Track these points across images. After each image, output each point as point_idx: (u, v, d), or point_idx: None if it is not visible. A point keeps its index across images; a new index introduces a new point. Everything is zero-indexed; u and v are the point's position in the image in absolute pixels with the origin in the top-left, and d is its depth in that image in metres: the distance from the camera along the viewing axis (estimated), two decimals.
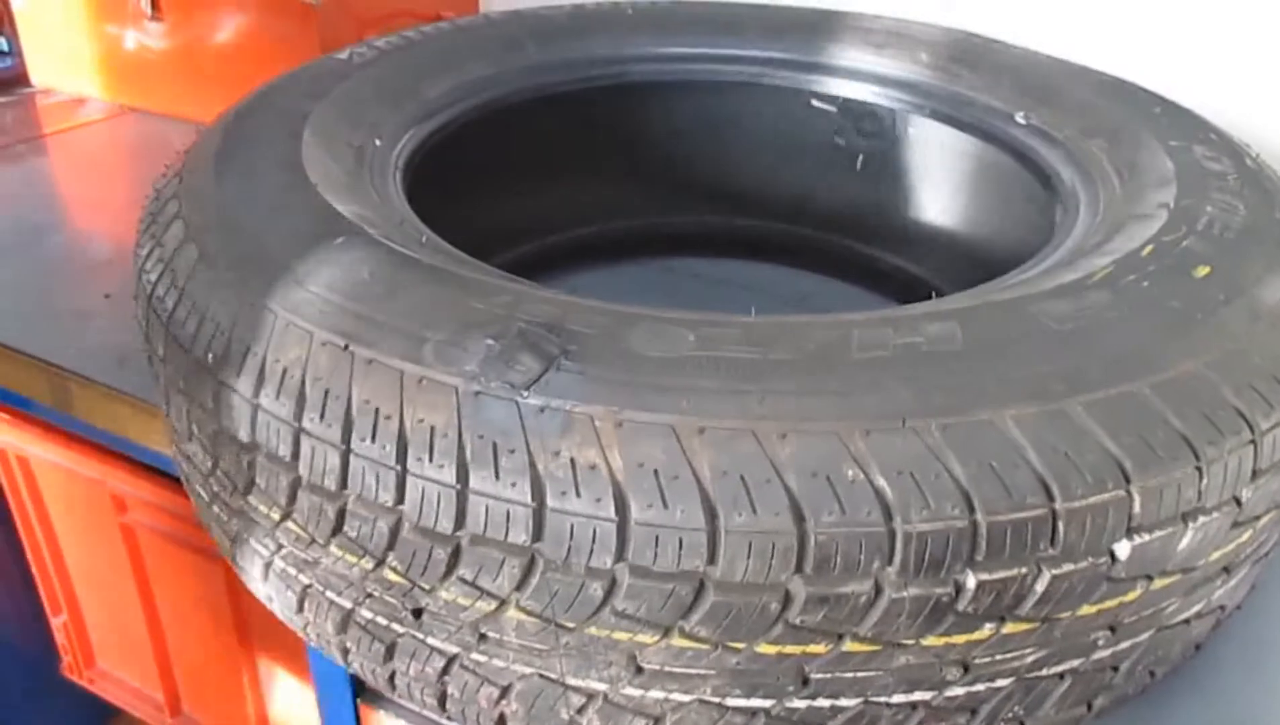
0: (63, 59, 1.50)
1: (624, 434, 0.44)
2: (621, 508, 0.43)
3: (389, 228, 0.59)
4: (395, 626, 0.51)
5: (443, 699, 0.53)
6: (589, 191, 1.01)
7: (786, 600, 0.44)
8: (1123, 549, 0.46)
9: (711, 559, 0.43)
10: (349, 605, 0.52)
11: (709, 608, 0.44)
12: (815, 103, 0.99)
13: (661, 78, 0.96)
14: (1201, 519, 0.48)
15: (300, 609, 0.55)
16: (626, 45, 0.96)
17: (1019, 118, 0.81)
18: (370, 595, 0.50)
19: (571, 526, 0.44)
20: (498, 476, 0.44)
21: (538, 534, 0.44)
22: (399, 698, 0.56)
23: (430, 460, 0.45)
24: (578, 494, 0.43)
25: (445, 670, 0.51)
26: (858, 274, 1.00)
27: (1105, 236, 0.61)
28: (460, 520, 0.45)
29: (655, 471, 0.43)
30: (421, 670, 0.52)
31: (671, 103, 0.98)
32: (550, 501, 0.44)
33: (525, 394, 0.45)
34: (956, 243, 0.91)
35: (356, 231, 0.56)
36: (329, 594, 0.53)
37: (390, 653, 0.52)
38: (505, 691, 0.50)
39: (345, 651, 0.55)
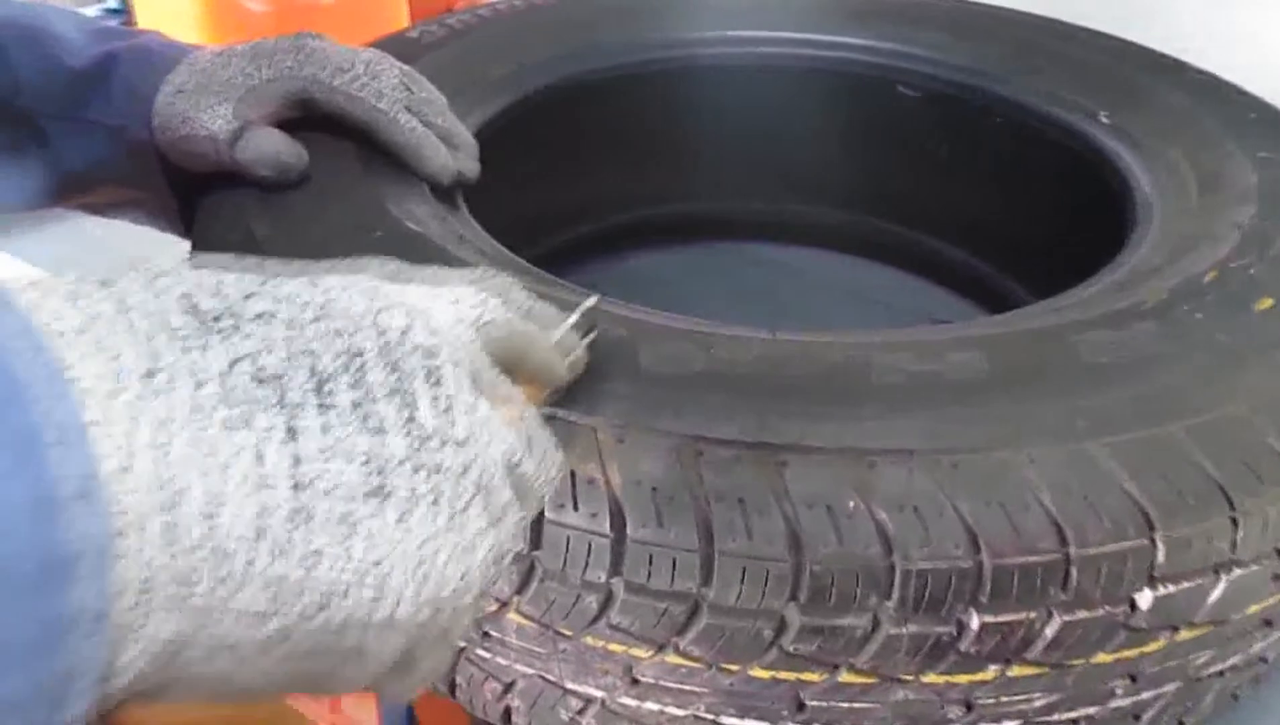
0: (171, 17, 1.55)
1: (624, 450, 0.44)
2: (617, 524, 0.43)
3: (433, 223, 0.60)
4: None
5: (453, 687, 0.54)
6: (654, 173, 1.00)
7: (781, 627, 0.43)
8: (1144, 598, 0.44)
9: (705, 581, 0.43)
10: None
11: (702, 628, 0.44)
12: (902, 89, 0.96)
13: (736, 61, 0.94)
14: (1236, 572, 0.45)
15: None
16: (702, 27, 0.94)
17: (1102, 116, 0.77)
18: None
19: (568, 539, 0.44)
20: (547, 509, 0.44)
21: (536, 543, 0.44)
22: None
23: None
24: (575, 507, 0.43)
25: (453, 661, 0.52)
26: (924, 267, 0.97)
27: (1170, 256, 0.58)
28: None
29: (653, 489, 0.43)
30: None
31: (745, 86, 0.96)
32: (548, 512, 0.44)
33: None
34: (1027, 242, 0.88)
35: (392, 224, 0.57)
36: None
37: None
38: (509, 688, 0.51)
39: None
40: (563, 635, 0.47)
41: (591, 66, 0.90)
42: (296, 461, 0.25)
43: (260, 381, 0.25)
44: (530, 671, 0.50)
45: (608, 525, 0.43)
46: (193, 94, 0.62)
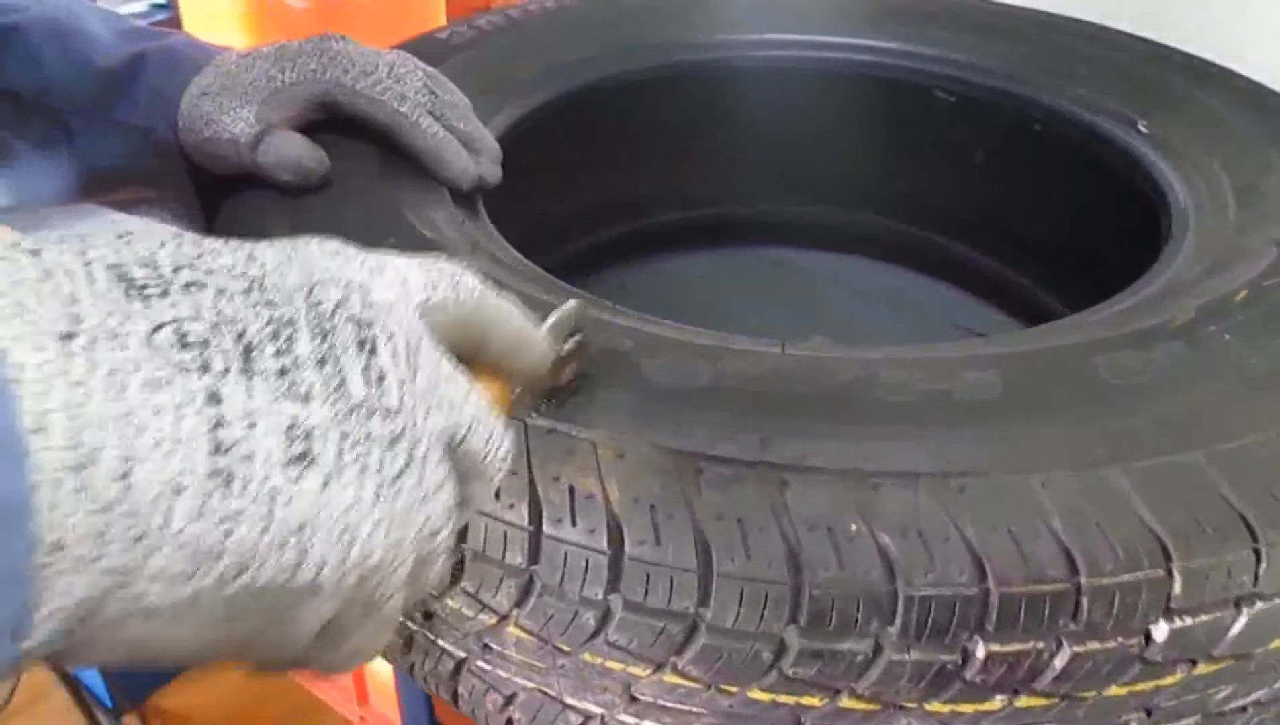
0: (215, 13, 1.57)
1: (624, 465, 0.43)
2: (615, 541, 0.42)
3: (448, 229, 0.60)
4: (410, 624, 0.52)
5: (455, 697, 0.54)
6: (684, 176, 1.00)
7: (780, 650, 0.42)
8: (1160, 631, 0.42)
9: (703, 601, 0.42)
10: None
11: (700, 648, 0.43)
12: (938, 93, 0.94)
13: (767, 64, 0.93)
14: (1260, 605, 0.43)
15: None
16: (734, 30, 0.93)
17: (1141, 125, 0.75)
18: None
19: (565, 554, 0.43)
20: (497, 496, 0.44)
21: (534, 558, 0.44)
22: (423, 686, 0.57)
23: None
24: (573, 523, 0.43)
25: (456, 672, 0.52)
26: (959, 275, 0.95)
27: (1203, 272, 0.56)
28: (462, 536, 0.45)
29: (651, 507, 0.42)
30: (434, 668, 0.53)
31: (777, 90, 0.95)
32: (546, 527, 0.43)
33: (534, 415, 0.45)
34: (1063, 252, 0.86)
35: (406, 230, 0.57)
36: None
37: (408, 646, 0.54)
38: (510, 700, 0.51)
39: None
40: (561, 651, 0.46)
41: (622, 69, 0.89)
42: (217, 425, 0.25)
43: (184, 346, 0.25)
44: (531, 685, 0.49)
45: (605, 542, 0.42)
46: (217, 96, 0.63)
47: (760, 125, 0.98)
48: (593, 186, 0.94)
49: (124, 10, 1.64)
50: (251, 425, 0.25)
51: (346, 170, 0.64)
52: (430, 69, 0.69)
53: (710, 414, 0.44)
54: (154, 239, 0.27)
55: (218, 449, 0.25)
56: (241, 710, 1.82)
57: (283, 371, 0.26)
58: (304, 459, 0.26)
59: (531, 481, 0.44)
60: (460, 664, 0.51)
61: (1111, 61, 0.82)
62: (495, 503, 0.44)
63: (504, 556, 0.44)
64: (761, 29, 0.93)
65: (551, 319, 0.41)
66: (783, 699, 0.44)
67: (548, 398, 0.45)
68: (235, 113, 0.62)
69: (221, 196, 0.65)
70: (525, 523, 0.43)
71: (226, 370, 0.25)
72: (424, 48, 0.83)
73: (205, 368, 0.25)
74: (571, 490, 0.43)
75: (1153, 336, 0.49)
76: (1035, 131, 0.85)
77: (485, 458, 0.32)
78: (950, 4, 0.93)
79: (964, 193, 0.95)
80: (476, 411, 0.32)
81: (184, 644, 0.26)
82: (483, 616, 0.47)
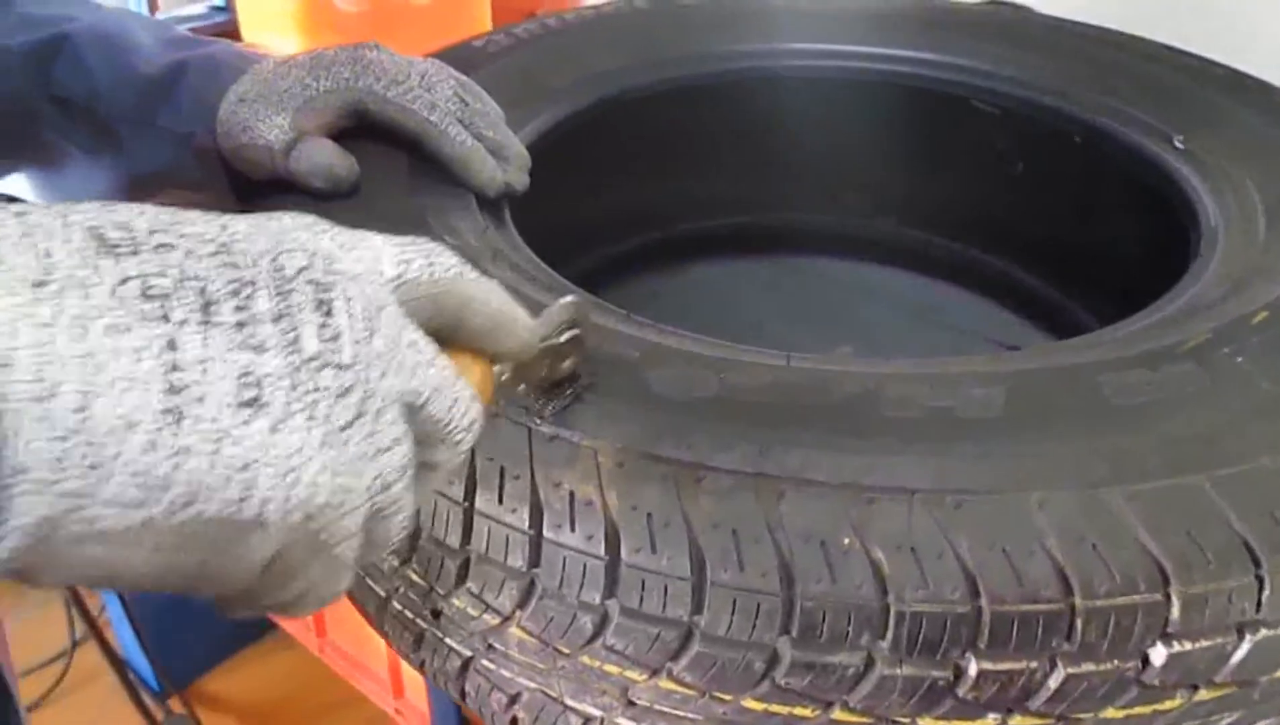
0: (271, 16, 1.61)
1: (623, 473, 0.44)
2: (612, 547, 0.43)
3: (471, 236, 0.61)
4: (419, 622, 0.53)
5: (463, 695, 0.55)
6: (719, 185, 1.00)
7: (773, 660, 0.43)
8: (1158, 655, 0.42)
9: (697, 610, 0.43)
10: (384, 594, 0.55)
11: (694, 656, 0.44)
12: (978, 105, 0.93)
13: (803, 74, 0.93)
14: (1263, 633, 0.43)
15: (349, 592, 0.58)
16: (770, 39, 0.93)
17: (1177, 141, 0.74)
18: (398, 589, 0.53)
19: (564, 559, 0.44)
20: (501, 500, 0.45)
21: (535, 561, 0.45)
22: (434, 683, 0.58)
23: None
24: (572, 528, 0.44)
25: (463, 670, 0.53)
26: (994, 289, 0.94)
27: (1226, 292, 0.55)
28: (466, 537, 0.46)
29: (649, 515, 0.43)
30: (443, 666, 0.54)
31: (813, 99, 0.95)
32: (547, 532, 0.44)
33: (539, 421, 0.46)
34: (1098, 268, 0.85)
35: (428, 236, 0.58)
36: (368, 580, 0.55)
37: (418, 644, 0.55)
38: (514, 700, 0.52)
39: (385, 635, 0.58)
40: (561, 653, 0.47)
41: (656, 78, 0.90)
42: (172, 368, 0.27)
43: (147, 298, 0.27)
44: (533, 686, 0.50)
45: (603, 548, 0.43)
46: (253, 103, 0.65)
47: (796, 135, 0.98)
48: (624, 194, 0.95)
49: (185, 11, 1.68)
50: (205, 371, 0.27)
51: (376, 176, 0.65)
52: (462, 77, 0.70)
53: (711, 425, 0.45)
54: (135, 209, 0.29)
55: (171, 389, 0.27)
56: (284, 699, 1.86)
57: (240, 325, 0.28)
58: (253, 404, 0.28)
59: (534, 487, 0.45)
60: (467, 662, 0.52)
61: (1151, 75, 0.81)
62: (499, 506, 0.45)
63: (506, 559, 0.45)
64: (799, 39, 0.93)
65: (554, 309, 0.42)
66: (776, 709, 0.44)
67: (543, 390, 0.45)
68: (269, 120, 0.64)
69: (256, 200, 0.67)
70: (526, 527, 0.44)
71: (185, 321, 0.27)
72: (460, 55, 0.84)
73: (166, 318, 0.27)
74: (572, 496, 0.44)
75: (1163, 357, 0.48)
76: (1074, 144, 0.84)
77: (449, 425, 0.33)
78: (989, 15, 0.93)
79: (1001, 205, 0.94)
80: (440, 379, 0.33)
81: (138, 569, 0.28)
82: (486, 617, 0.48)
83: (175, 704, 1.78)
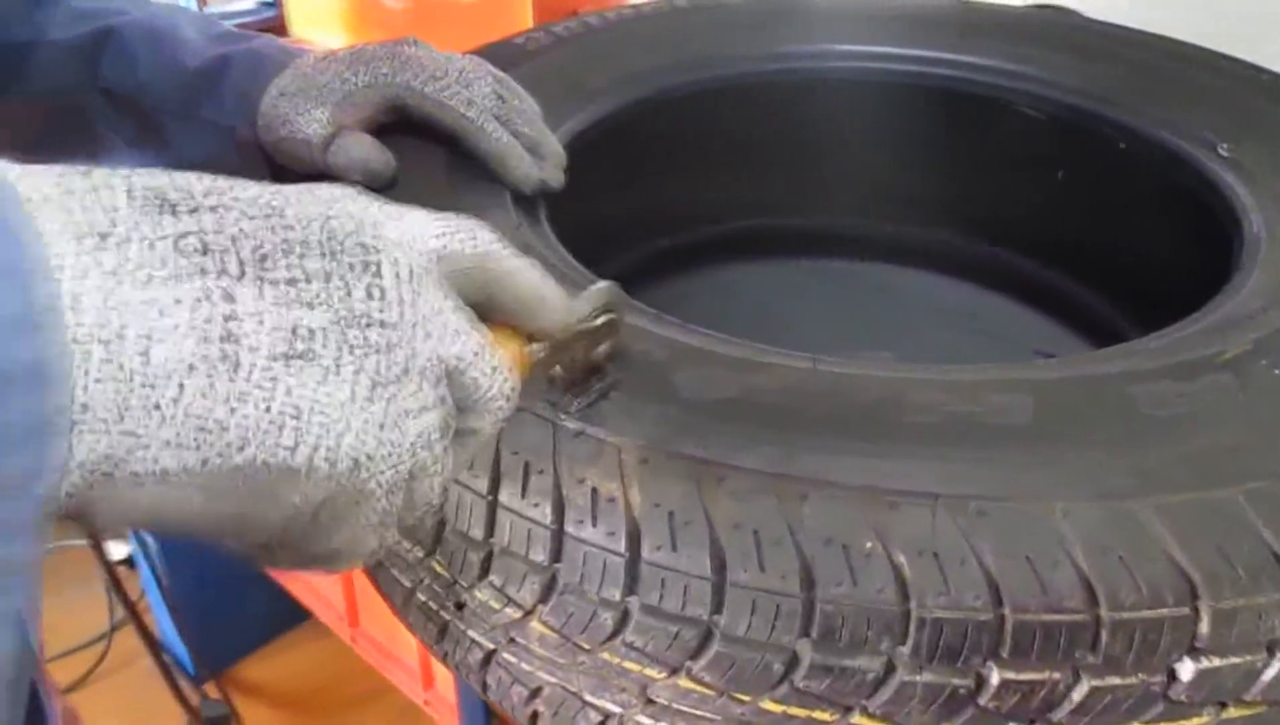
0: (320, 12, 1.63)
1: (647, 471, 0.44)
2: (634, 545, 0.43)
3: (504, 232, 0.61)
4: (444, 614, 0.54)
5: (484, 687, 0.55)
6: (757, 187, 1.00)
7: (792, 662, 0.43)
8: (1185, 669, 0.41)
9: (717, 609, 0.43)
10: (409, 585, 0.55)
11: (714, 655, 0.44)
12: (1022, 109, 0.92)
13: (842, 76, 0.93)
14: None
15: (376, 582, 0.59)
16: (808, 41, 0.93)
17: (1221, 149, 0.73)
18: (423, 581, 0.53)
19: (585, 555, 0.44)
20: (524, 494, 0.45)
21: (556, 556, 0.45)
22: (457, 675, 0.59)
23: (469, 469, 0.47)
24: (594, 524, 0.44)
25: (485, 663, 0.53)
26: (1034, 296, 0.93)
27: (1267, 303, 0.54)
28: (490, 531, 0.47)
29: (670, 513, 0.43)
30: (465, 658, 0.54)
31: (851, 102, 0.94)
32: (569, 527, 0.44)
33: (564, 417, 0.46)
34: (1140, 277, 0.83)
35: None
36: (394, 571, 0.56)
37: (442, 635, 0.55)
38: (534, 694, 0.52)
39: (410, 626, 0.58)
40: (581, 648, 0.47)
41: (694, 78, 0.90)
42: (229, 318, 0.28)
43: (205, 253, 0.28)
44: (553, 680, 0.50)
45: (624, 545, 0.43)
46: (293, 98, 0.66)
47: (837, 138, 0.98)
48: (660, 194, 0.95)
49: (233, 7, 1.71)
50: (260, 322, 0.29)
51: (413, 171, 0.66)
52: (501, 74, 0.71)
53: (736, 426, 0.45)
54: (192, 175, 0.30)
55: (227, 337, 0.28)
56: (317, 687, 1.88)
57: (292, 281, 0.30)
58: (305, 356, 0.29)
59: (557, 482, 0.45)
60: (489, 655, 0.53)
61: (1196, 80, 0.80)
62: (522, 500, 0.45)
63: (528, 553, 0.46)
64: (840, 41, 0.92)
65: (591, 292, 0.42)
66: (794, 712, 0.44)
67: (574, 377, 0.45)
68: (309, 114, 0.65)
69: None
70: (549, 521, 0.45)
71: (241, 276, 0.29)
72: (500, 52, 0.85)
73: (223, 271, 0.28)
74: (594, 492, 0.44)
75: (1199, 368, 0.47)
76: (1119, 151, 0.83)
77: (487, 392, 0.34)
78: (1032, 18, 0.92)
79: (1042, 211, 0.93)
80: (478, 347, 0.34)
81: (192, 513, 0.29)
82: (508, 610, 0.49)
83: (210, 689, 1.81)
